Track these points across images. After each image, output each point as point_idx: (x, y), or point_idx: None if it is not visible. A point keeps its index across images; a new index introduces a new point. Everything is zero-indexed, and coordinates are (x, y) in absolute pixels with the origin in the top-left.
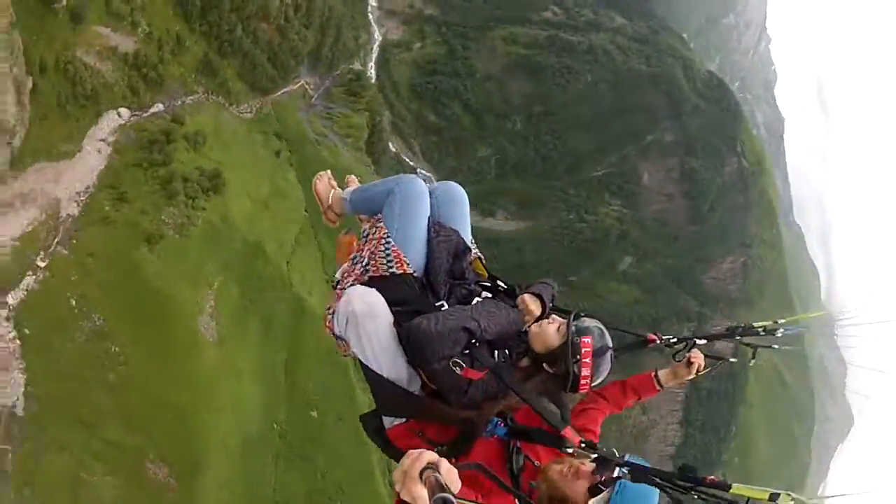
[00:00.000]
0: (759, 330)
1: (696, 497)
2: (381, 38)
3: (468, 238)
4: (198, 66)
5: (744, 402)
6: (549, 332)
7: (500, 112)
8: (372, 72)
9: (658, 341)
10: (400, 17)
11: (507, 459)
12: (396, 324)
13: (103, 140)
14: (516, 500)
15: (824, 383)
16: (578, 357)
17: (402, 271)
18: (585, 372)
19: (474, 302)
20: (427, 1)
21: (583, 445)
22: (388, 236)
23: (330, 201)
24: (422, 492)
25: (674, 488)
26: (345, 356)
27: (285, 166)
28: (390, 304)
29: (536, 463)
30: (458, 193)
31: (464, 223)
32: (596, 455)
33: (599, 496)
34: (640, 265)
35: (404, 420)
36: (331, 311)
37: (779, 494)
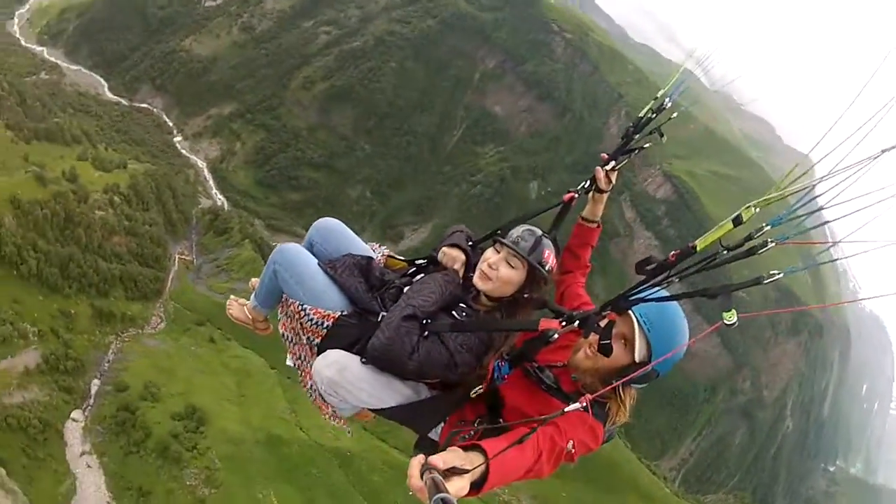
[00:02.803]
0: (650, 115)
1: (678, 280)
2: (205, 163)
3: (364, 251)
4: (95, 322)
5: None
6: (507, 275)
7: (344, 149)
8: (219, 198)
9: (576, 195)
10: (207, 133)
11: (538, 384)
12: (365, 361)
13: (83, 453)
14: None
15: (727, 109)
16: (548, 268)
17: (332, 321)
18: (554, 268)
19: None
20: (220, 103)
21: (563, 324)
22: (301, 305)
23: (249, 316)
24: (421, 490)
25: (657, 286)
26: (370, 417)
27: (226, 345)
28: (347, 349)
29: (560, 363)
30: (327, 224)
31: (350, 243)
32: (577, 321)
33: (637, 338)
34: (547, 181)
35: (444, 423)
36: (317, 399)
37: (739, 215)
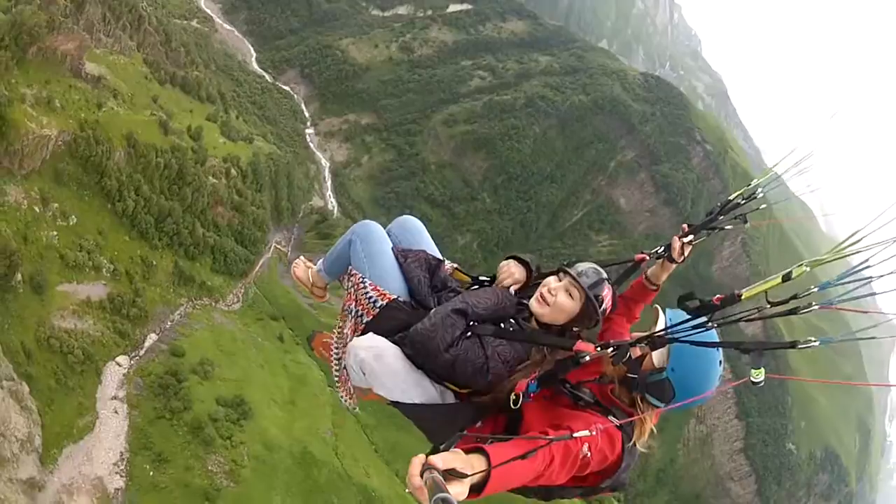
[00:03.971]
0: (739, 201)
1: (717, 327)
2: (329, 164)
3: (437, 255)
4: (173, 280)
5: (788, 369)
6: (564, 303)
7: (466, 195)
8: (332, 201)
9: (648, 257)
10: (339, 136)
11: (572, 401)
12: (404, 349)
13: (115, 398)
14: (608, 417)
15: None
16: (603, 306)
17: (387, 301)
18: (607, 311)
19: None
20: (360, 111)
21: (598, 349)
22: (363, 278)
23: (311, 279)
24: (422, 492)
25: (695, 329)
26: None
27: (292, 348)
28: (391, 333)
29: (594, 378)
30: (412, 222)
31: (427, 244)
32: (611, 349)
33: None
34: None
35: (460, 438)
36: (341, 372)
37: (790, 272)
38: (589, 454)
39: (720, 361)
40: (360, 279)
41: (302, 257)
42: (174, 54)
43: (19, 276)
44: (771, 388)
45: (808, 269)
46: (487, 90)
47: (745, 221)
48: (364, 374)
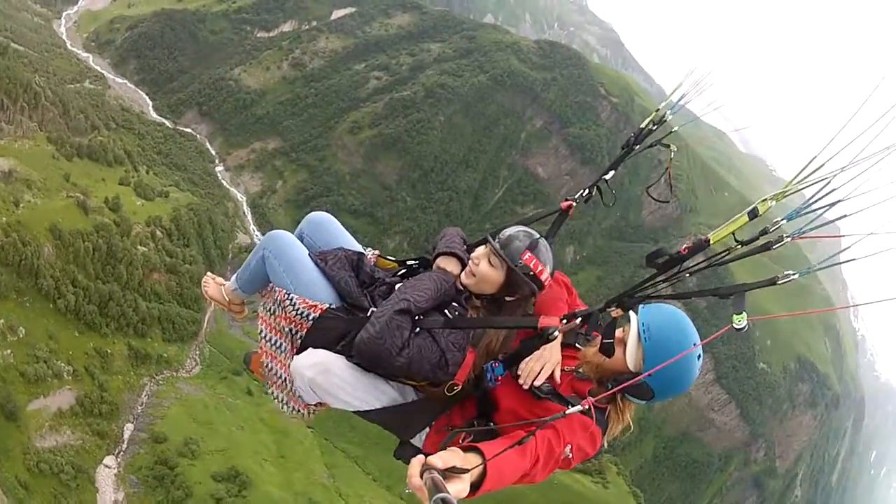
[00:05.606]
0: (651, 127)
1: (688, 276)
2: (245, 197)
3: (356, 247)
4: (130, 361)
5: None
6: (486, 273)
7: (386, 199)
8: (257, 234)
9: (574, 203)
10: (249, 167)
11: (537, 388)
12: (350, 357)
13: (115, 502)
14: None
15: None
16: (531, 272)
17: (319, 312)
18: (542, 274)
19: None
20: (265, 137)
21: (563, 321)
22: (287, 294)
23: (226, 297)
24: (422, 492)
25: (665, 283)
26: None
27: (263, 399)
28: (332, 344)
29: (567, 368)
30: (321, 218)
31: (342, 238)
32: (580, 318)
33: (631, 340)
34: (583, 246)
35: (429, 429)
36: (282, 399)
37: (755, 208)
38: (571, 455)
39: (699, 356)
40: (286, 295)
41: (209, 274)
42: (74, 123)
43: None
44: (726, 316)
45: (773, 202)
46: (386, 89)
47: (668, 146)
48: (315, 392)
